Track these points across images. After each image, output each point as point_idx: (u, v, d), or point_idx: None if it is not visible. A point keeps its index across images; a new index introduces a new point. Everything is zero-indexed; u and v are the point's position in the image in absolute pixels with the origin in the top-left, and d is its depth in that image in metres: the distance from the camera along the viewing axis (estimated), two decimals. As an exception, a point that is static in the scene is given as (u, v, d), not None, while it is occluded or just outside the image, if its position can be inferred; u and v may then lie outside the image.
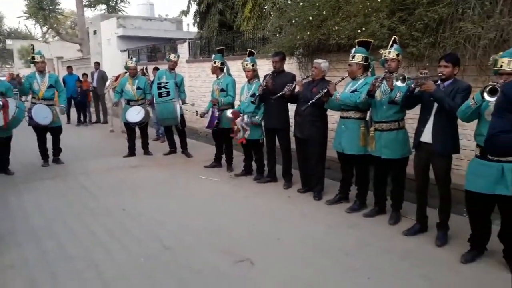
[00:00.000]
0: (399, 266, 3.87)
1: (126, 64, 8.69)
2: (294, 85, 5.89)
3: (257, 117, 6.59)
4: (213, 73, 7.46)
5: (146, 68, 11.37)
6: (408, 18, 5.70)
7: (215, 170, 7.63)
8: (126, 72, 9.14)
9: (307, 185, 6.19)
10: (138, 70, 9.17)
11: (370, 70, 5.23)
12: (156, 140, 10.53)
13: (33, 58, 7.68)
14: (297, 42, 7.75)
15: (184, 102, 8.68)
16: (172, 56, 8.63)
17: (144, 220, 5.14)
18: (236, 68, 9.38)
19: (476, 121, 3.75)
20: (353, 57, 5.12)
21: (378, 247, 4.28)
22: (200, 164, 7.99)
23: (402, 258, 4.02)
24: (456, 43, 5.05)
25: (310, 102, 5.35)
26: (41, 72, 7.72)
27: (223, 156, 7.79)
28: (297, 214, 5.31)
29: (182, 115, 8.41)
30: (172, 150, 8.98)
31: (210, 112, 7.29)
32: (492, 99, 2.99)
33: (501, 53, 3.56)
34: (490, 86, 3.01)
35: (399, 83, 4.16)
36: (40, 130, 7.82)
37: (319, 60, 5.78)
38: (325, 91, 5.23)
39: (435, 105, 4.16)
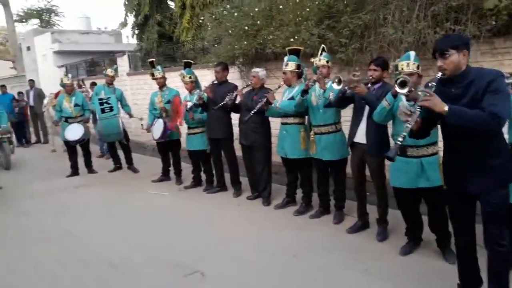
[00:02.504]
0: (343, 263, 4.05)
1: (61, 81, 8.45)
2: (234, 95, 6.00)
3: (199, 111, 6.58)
4: (161, 86, 7.35)
5: (83, 80, 11.11)
6: (335, 25, 5.96)
7: (164, 184, 7.56)
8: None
9: (255, 191, 6.32)
10: (75, 85, 8.99)
11: (304, 77, 5.42)
12: (101, 157, 10.33)
13: None
14: (235, 52, 7.91)
15: (130, 115, 8.63)
16: (109, 71, 8.54)
17: (91, 241, 5.06)
18: (177, 79, 9.35)
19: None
20: (286, 65, 5.28)
21: (324, 247, 4.46)
22: (147, 179, 7.89)
23: (346, 256, 4.20)
24: (380, 47, 5.35)
25: (252, 112, 5.45)
26: None
27: (171, 168, 7.74)
28: (247, 221, 5.41)
29: (125, 130, 8.32)
30: (118, 166, 8.84)
31: (158, 123, 7.18)
32: (403, 91, 3.10)
33: (398, 59, 3.82)
34: (400, 79, 3.13)
35: (335, 85, 4.37)
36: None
37: (257, 69, 5.92)
38: (264, 100, 5.34)
39: (367, 107, 4.39)
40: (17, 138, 13.60)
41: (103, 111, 7.80)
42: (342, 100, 4.61)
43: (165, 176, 7.75)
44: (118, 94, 8.48)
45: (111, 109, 7.82)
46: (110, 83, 8.55)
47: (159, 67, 7.27)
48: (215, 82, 6.40)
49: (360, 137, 4.49)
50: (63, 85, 8.45)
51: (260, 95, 5.64)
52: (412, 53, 3.77)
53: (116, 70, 8.78)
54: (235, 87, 6.36)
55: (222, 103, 6.01)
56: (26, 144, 13.81)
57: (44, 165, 10.14)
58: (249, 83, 5.98)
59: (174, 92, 7.21)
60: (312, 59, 5.05)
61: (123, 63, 13.32)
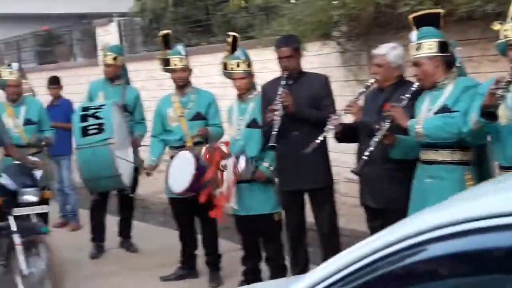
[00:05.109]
0: None
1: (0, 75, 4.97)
2: (339, 116, 3.43)
3: (265, 164, 3.96)
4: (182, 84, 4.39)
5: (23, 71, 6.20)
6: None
7: (185, 285, 4.37)
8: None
9: None
10: (24, 83, 5.42)
11: (458, 66, 3.16)
12: (61, 227, 6.06)
13: None
14: (333, 14, 4.56)
15: (137, 144, 5.05)
16: (108, 57, 5.05)
17: None
18: (215, 68, 5.25)
19: None
20: (418, 48, 3.04)
21: None
22: (153, 271, 4.55)
23: None
24: None
25: (374, 141, 3.09)
26: None
27: (199, 252, 4.53)
28: None
29: (136, 169, 4.89)
30: (99, 245, 5.15)
31: (182, 160, 4.18)
32: None
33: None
34: None
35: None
36: None
37: (383, 48, 3.42)
38: (387, 125, 3.07)
39: None
40: None
41: (84, 132, 4.26)
42: None
43: (187, 268, 4.47)
44: (129, 99, 5.11)
45: (98, 129, 4.28)
46: (113, 77, 5.10)
47: (178, 48, 4.49)
48: (288, 80, 3.75)
49: None
50: (2, 83, 4.98)
51: (396, 97, 3.25)
52: None
53: (118, 52, 5.25)
54: (326, 81, 3.91)
55: (320, 137, 3.42)
56: None
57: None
58: (370, 81, 3.43)
59: (208, 98, 4.49)
60: (499, 25, 2.79)
61: (108, 37, 8.13)
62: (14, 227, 3.82)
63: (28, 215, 3.95)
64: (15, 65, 5.26)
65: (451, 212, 1.13)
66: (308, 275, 1.21)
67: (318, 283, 1.13)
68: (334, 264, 1.15)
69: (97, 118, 4.47)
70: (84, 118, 4.52)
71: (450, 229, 1.03)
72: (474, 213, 1.04)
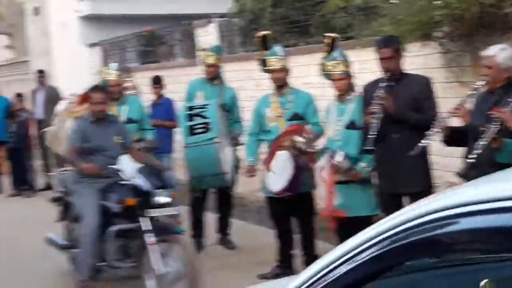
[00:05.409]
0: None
1: (102, 75, 5.13)
2: (445, 119, 3.28)
3: (362, 164, 3.85)
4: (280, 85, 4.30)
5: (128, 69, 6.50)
6: None
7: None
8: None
9: None
10: (127, 84, 5.62)
11: None
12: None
13: None
14: (435, 14, 4.34)
15: (236, 142, 5.04)
16: (209, 57, 5.03)
17: None
18: (313, 69, 5.23)
19: None
20: None
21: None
22: (250, 269, 4.40)
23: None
24: None
25: (483, 142, 2.98)
26: None
27: (294, 251, 4.39)
28: None
29: (236, 167, 4.92)
30: (198, 241, 4.98)
31: (280, 159, 4.09)
32: None
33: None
34: None
35: None
36: None
37: (492, 49, 3.26)
38: (495, 128, 2.99)
39: None
40: (13, 180, 8.18)
41: (191, 131, 4.45)
42: None
43: (283, 268, 4.30)
44: (227, 99, 5.03)
45: (205, 127, 4.45)
46: (213, 77, 5.06)
47: (277, 48, 4.43)
48: (389, 81, 3.65)
49: None
50: (105, 84, 5.04)
51: (505, 100, 3.14)
52: None
53: (219, 52, 5.25)
54: (427, 84, 3.76)
55: (426, 142, 3.34)
56: (27, 191, 8.09)
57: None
58: (478, 84, 3.24)
59: (306, 99, 4.39)
60: None
61: (207, 38, 7.99)
62: (146, 227, 3.77)
63: (158, 216, 3.92)
64: (114, 65, 5.38)
65: (487, 190, 1.18)
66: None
67: (367, 241, 1.22)
68: (374, 229, 1.24)
69: (203, 117, 4.57)
70: (190, 117, 4.60)
71: (484, 205, 1.06)
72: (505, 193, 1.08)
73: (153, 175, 4.01)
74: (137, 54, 9.95)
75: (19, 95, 8.30)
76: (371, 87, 3.80)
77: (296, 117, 4.32)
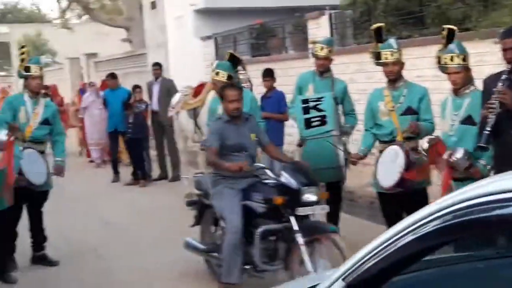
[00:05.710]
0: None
1: (214, 68, 4.79)
2: None
3: (482, 161, 3.69)
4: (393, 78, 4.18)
5: (243, 64, 5.99)
6: None
7: None
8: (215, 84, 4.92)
9: None
10: (241, 77, 5.52)
11: None
12: None
13: (27, 68, 4.76)
14: None
15: (347, 133, 5.01)
16: (320, 49, 4.87)
17: None
18: (427, 61, 5.27)
19: None
20: None
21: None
22: None
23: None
24: None
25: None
26: (36, 94, 4.89)
27: None
28: None
29: (346, 161, 4.82)
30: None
31: (392, 154, 4.03)
32: None
33: None
34: None
35: None
36: (23, 197, 4.55)
37: None
38: None
39: None
40: (133, 171, 8.50)
41: (308, 124, 4.58)
42: None
43: None
44: (338, 91, 4.91)
45: (322, 121, 4.55)
46: (323, 70, 4.94)
47: (391, 41, 4.27)
48: (511, 73, 3.38)
49: None
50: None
51: None
52: None
53: (331, 44, 5.12)
54: None
55: None
56: (144, 180, 8.41)
57: (172, 229, 5.51)
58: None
59: (420, 93, 4.21)
60: None
61: (319, 30, 7.83)
62: (296, 227, 3.60)
63: (306, 215, 3.72)
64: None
65: None
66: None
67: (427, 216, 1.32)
68: (438, 204, 1.35)
69: (319, 110, 4.59)
70: (306, 110, 4.62)
71: None
72: None
73: (299, 172, 3.87)
74: (249, 47, 9.98)
75: (137, 87, 8.60)
76: (492, 80, 3.57)
77: (409, 111, 4.19)
